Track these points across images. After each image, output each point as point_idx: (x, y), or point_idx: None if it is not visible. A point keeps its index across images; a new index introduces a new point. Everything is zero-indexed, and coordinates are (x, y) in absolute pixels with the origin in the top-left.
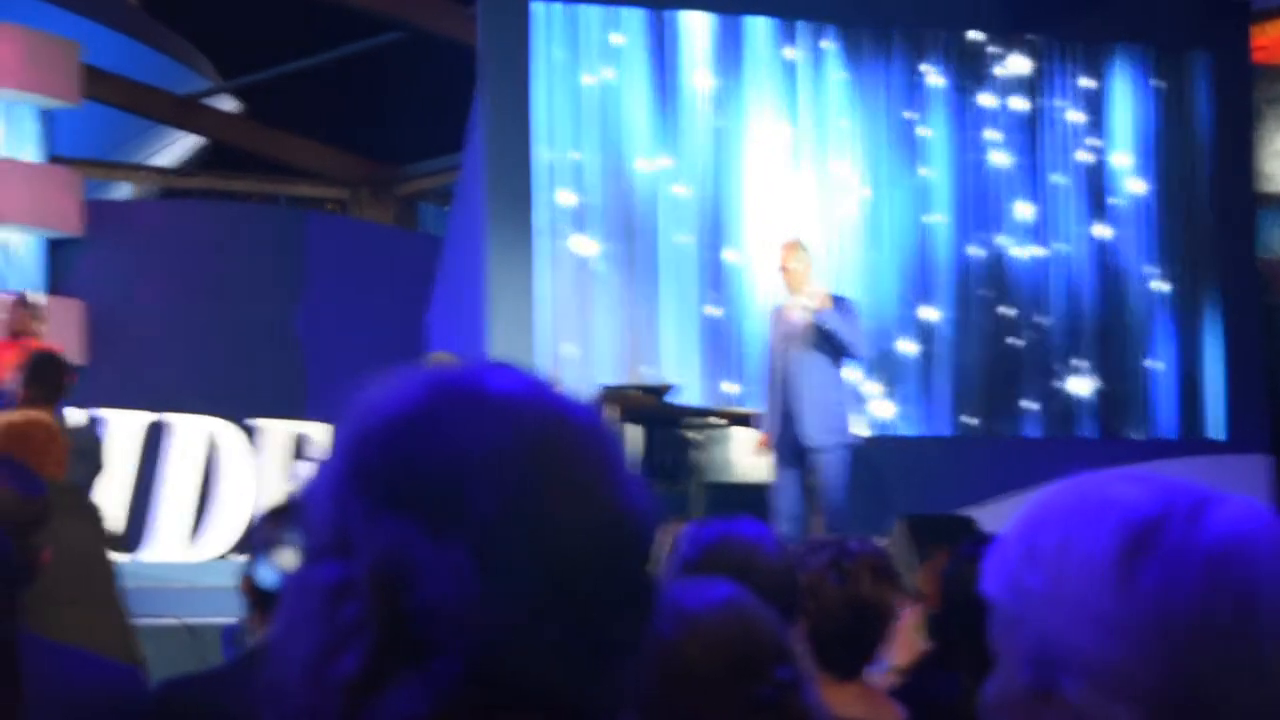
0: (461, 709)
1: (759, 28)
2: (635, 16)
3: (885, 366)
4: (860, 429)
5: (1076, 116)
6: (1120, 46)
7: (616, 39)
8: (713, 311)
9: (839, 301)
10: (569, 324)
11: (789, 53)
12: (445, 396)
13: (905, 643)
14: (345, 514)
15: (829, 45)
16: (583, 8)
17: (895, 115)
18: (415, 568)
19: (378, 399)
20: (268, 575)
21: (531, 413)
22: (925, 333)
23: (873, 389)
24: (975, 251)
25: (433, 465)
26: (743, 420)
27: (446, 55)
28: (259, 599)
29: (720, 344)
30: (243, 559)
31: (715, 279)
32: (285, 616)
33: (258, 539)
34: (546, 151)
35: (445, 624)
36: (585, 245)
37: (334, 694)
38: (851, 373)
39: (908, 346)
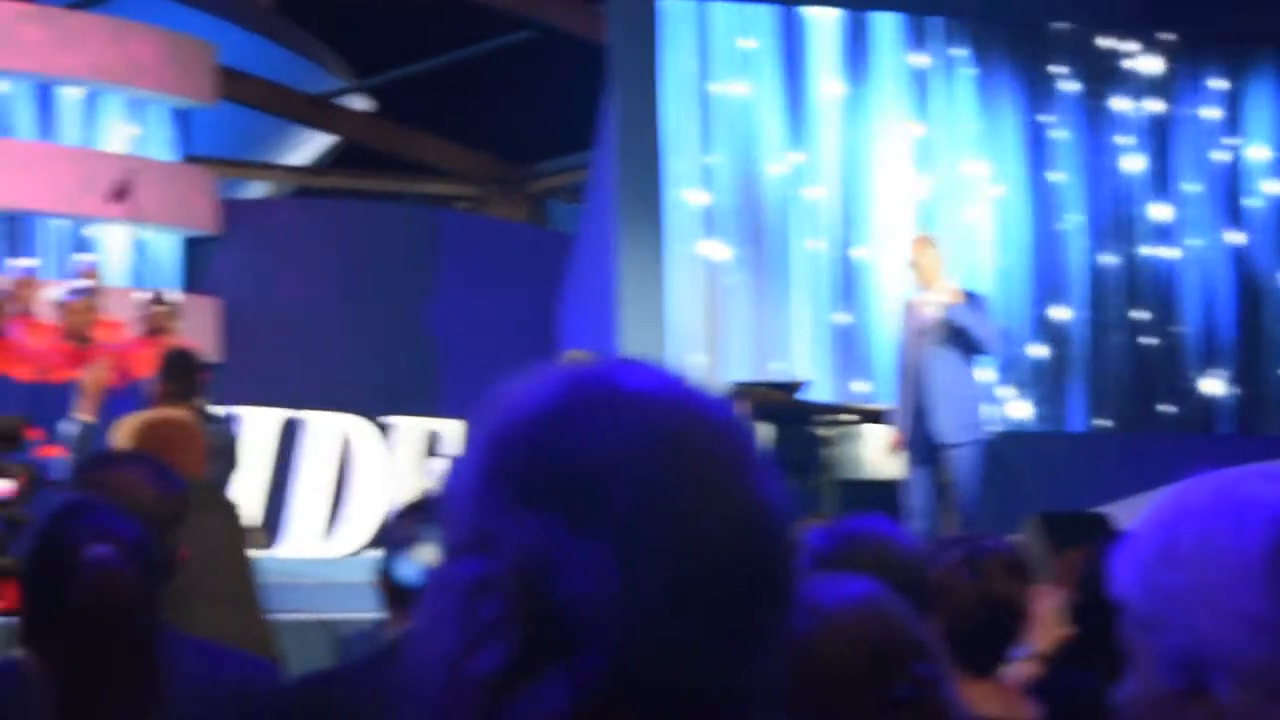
0: (602, 705)
1: (887, 30)
2: (763, 14)
3: (1017, 369)
4: (992, 426)
5: (1210, 114)
6: (1255, 44)
7: (745, 43)
8: (842, 318)
9: (970, 297)
10: (699, 322)
11: (918, 59)
12: (582, 394)
13: (1046, 628)
14: (485, 510)
15: (959, 53)
16: (711, 6)
17: (1026, 118)
18: (556, 564)
19: (516, 396)
20: (405, 571)
21: (667, 409)
22: (1058, 336)
23: (1006, 392)
24: (1107, 254)
25: (571, 462)
26: (874, 417)
27: (577, 53)
28: (396, 595)
29: (850, 347)
30: (378, 555)
31: (845, 283)
32: (425, 613)
33: (395, 535)
34: (677, 155)
35: (586, 620)
36: (715, 249)
37: (474, 691)
38: (984, 374)
39: (1040, 350)
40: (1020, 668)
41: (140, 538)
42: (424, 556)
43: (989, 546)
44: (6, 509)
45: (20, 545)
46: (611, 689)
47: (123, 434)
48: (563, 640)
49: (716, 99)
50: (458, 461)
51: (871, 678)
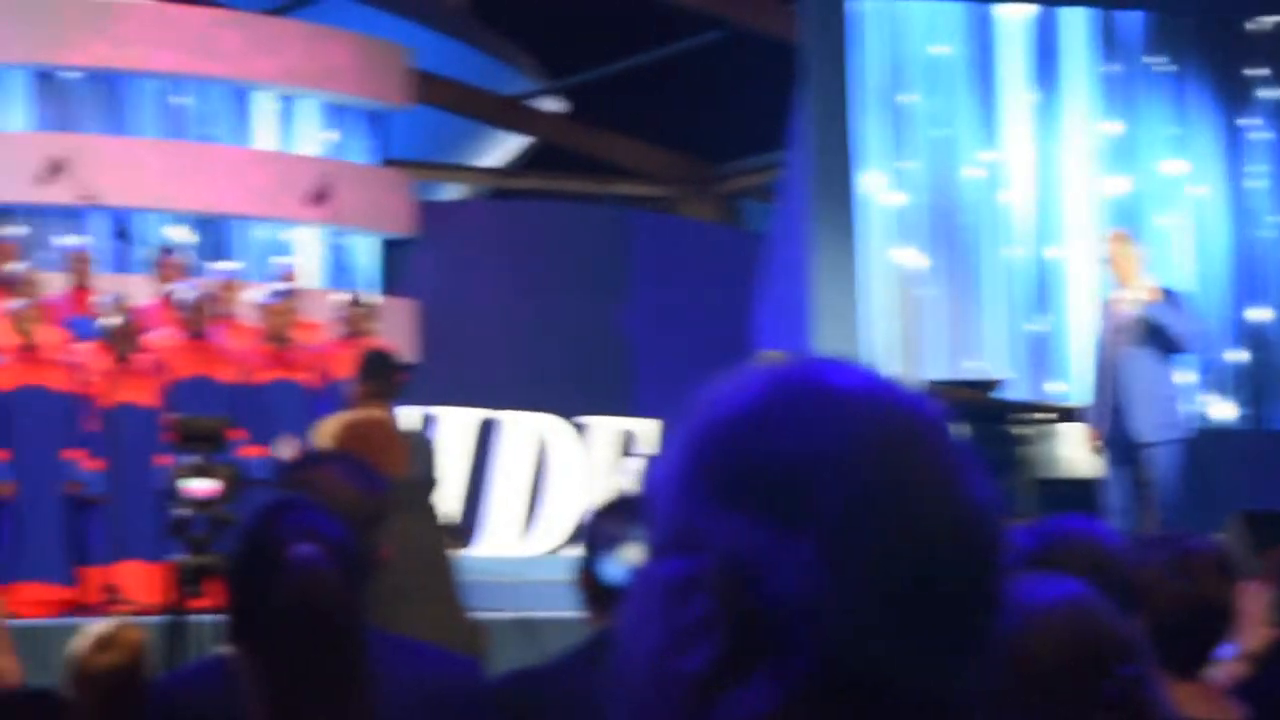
0: (810, 705)
1: (1079, 30)
2: (954, 14)
3: (1217, 373)
4: (1191, 424)
5: None
6: None
7: (937, 49)
8: (1036, 326)
9: (1169, 294)
10: (892, 323)
11: (1111, 67)
12: (789, 393)
13: (1254, 628)
14: (690, 511)
15: (1155, 60)
16: (902, 6)
17: (1223, 121)
18: (762, 564)
19: (720, 396)
20: (608, 570)
21: (876, 407)
22: (1258, 339)
23: (1207, 397)
24: None
25: (779, 462)
26: (1070, 415)
27: (769, 53)
28: (596, 593)
29: (1045, 352)
30: (576, 554)
31: (1040, 289)
32: (631, 612)
33: (597, 534)
34: (869, 159)
35: (794, 621)
36: (909, 255)
37: (681, 690)
38: (1184, 376)
39: (1239, 355)
40: (1228, 668)
41: (344, 537)
42: (628, 556)
43: (1197, 546)
44: (210, 508)
45: (226, 544)
46: (819, 690)
47: (324, 434)
48: (770, 640)
49: (909, 107)
50: (663, 460)
51: (1078, 678)
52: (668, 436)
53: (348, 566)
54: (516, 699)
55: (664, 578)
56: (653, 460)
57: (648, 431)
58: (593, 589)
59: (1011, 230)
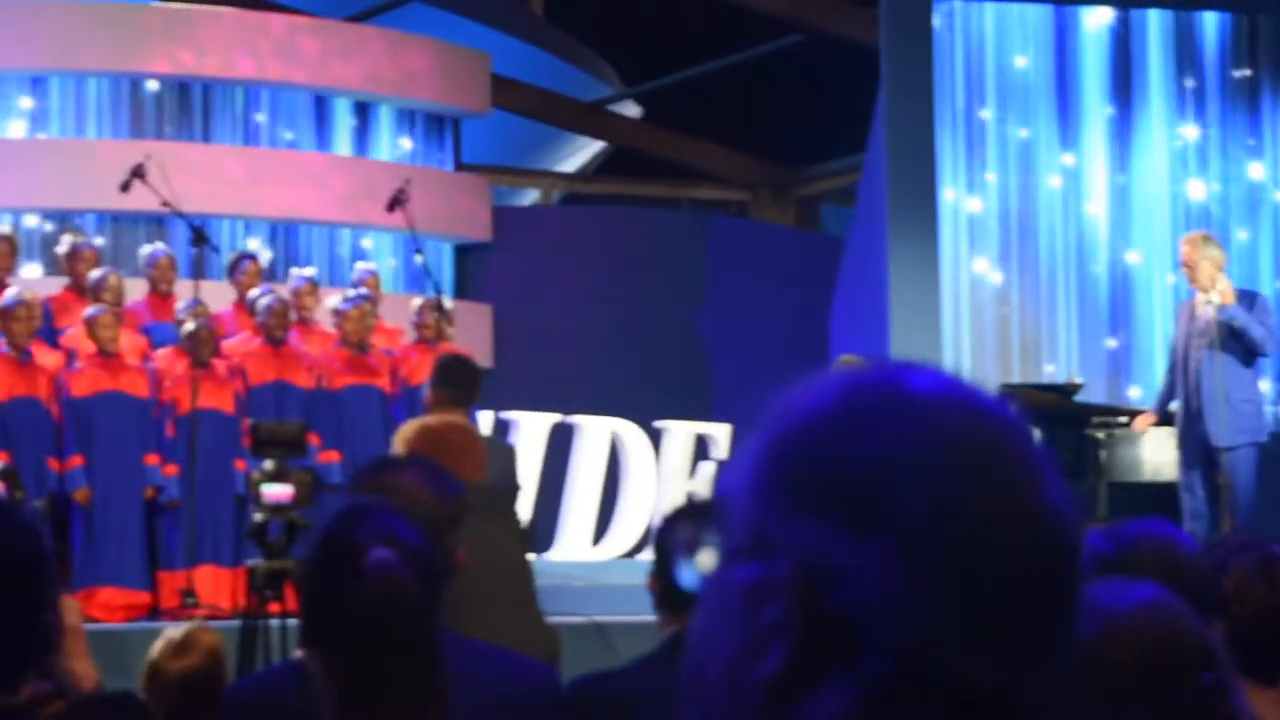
0: (885, 708)
1: (1158, 43)
2: (1034, 20)
3: None
4: (1268, 428)
5: None
6: None
7: (1019, 61)
8: (1113, 343)
9: (1248, 296)
10: (971, 330)
11: (1189, 76)
12: (866, 396)
13: None
14: (765, 515)
15: (1232, 68)
16: (983, 7)
17: None
18: (838, 569)
19: (797, 400)
20: (682, 574)
21: (954, 411)
22: None
23: None
24: None
25: (855, 466)
26: None
27: (847, 57)
28: (668, 597)
29: (1125, 357)
30: (651, 558)
31: (1120, 300)
32: (705, 616)
33: (672, 539)
34: (949, 169)
35: (870, 625)
36: (988, 267)
37: (756, 694)
38: (1263, 383)
39: None
40: None
41: (420, 542)
42: (702, 560)
43: (1278, 551)
44: (284, 513)
45: (302, 549)
46: (895, 692)
47: (401, 439)
48: (845, 644)
49: (989, 116)
50: (738, 465)
51: (1157, 684)
52: (743, 441)
53: (424, 571)
54: (590, 702)
55: (738, 582)
56: (727, 465)
57: (723, 436)
58: (665, 593)
59: (1090, 239)
